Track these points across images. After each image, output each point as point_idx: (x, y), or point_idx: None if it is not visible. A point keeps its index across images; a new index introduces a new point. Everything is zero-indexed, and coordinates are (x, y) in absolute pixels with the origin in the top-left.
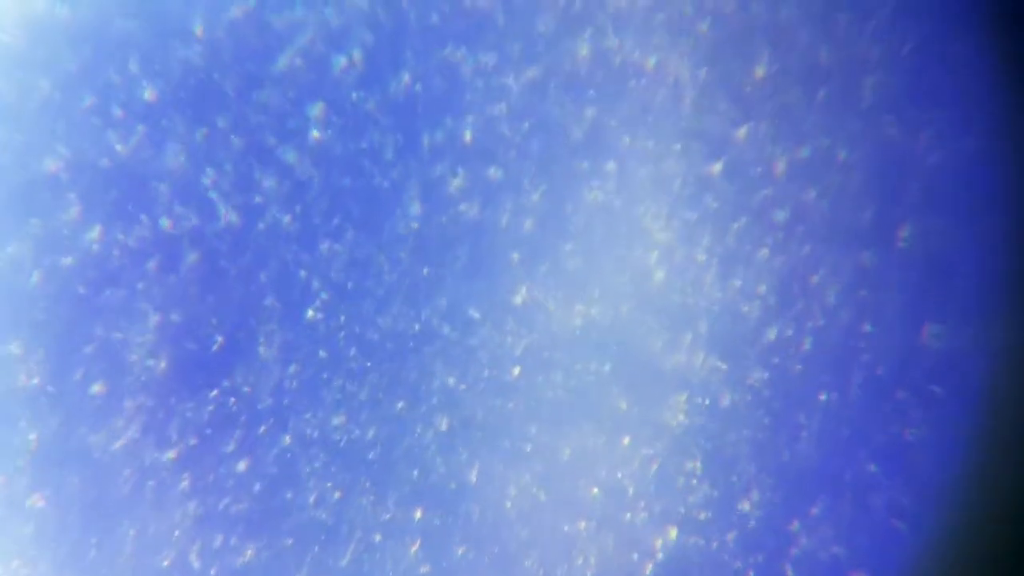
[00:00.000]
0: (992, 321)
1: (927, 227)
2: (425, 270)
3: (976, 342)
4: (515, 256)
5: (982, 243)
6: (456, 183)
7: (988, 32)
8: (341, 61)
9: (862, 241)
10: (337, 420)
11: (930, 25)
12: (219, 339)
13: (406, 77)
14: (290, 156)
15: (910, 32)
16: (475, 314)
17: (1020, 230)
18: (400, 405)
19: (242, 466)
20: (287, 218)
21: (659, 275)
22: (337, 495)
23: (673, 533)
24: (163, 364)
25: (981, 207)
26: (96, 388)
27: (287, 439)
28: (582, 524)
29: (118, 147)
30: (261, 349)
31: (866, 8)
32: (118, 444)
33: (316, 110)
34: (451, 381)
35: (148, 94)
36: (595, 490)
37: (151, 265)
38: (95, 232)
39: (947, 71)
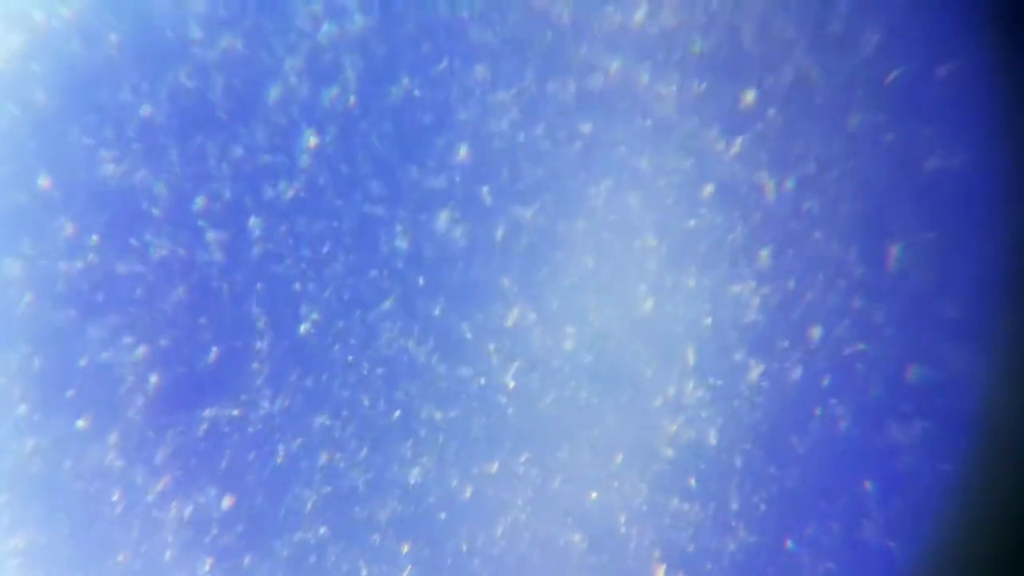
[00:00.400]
0: (992, 328)
1: (926, 234)
2: (415, 295)
3: (976, 351)
4: (507, 279)
5: (982, 249)
6: (448, 204)
7: (988, 32)
8: (334, 88)
9: (861, 250)
10: (326, 446)
11: (929, 26)
12: (208, 363)
13: (399, 94)
14: (282, 182)
15: (908, 34)
16: (467, 335)
17: (1020, 234)
18: (391, 431)
19: (231, 490)
20: (280, 235)
21: (653, 297)
22: (324, 528)
23: (665, 566)
24: (151, 388)
25: (981, 212)
26: (85, 410)
27: (277, 462)
28: (574, 552)
29: (109, 169)
30: (250, 373)
31: (863, 11)
32: (105, 469)
33: (309, 134)
34: (441, 409)
35: (141, 116)
36: (588, 509)
37: (140, 289)
38: (83, 255)
39: (946, 73)
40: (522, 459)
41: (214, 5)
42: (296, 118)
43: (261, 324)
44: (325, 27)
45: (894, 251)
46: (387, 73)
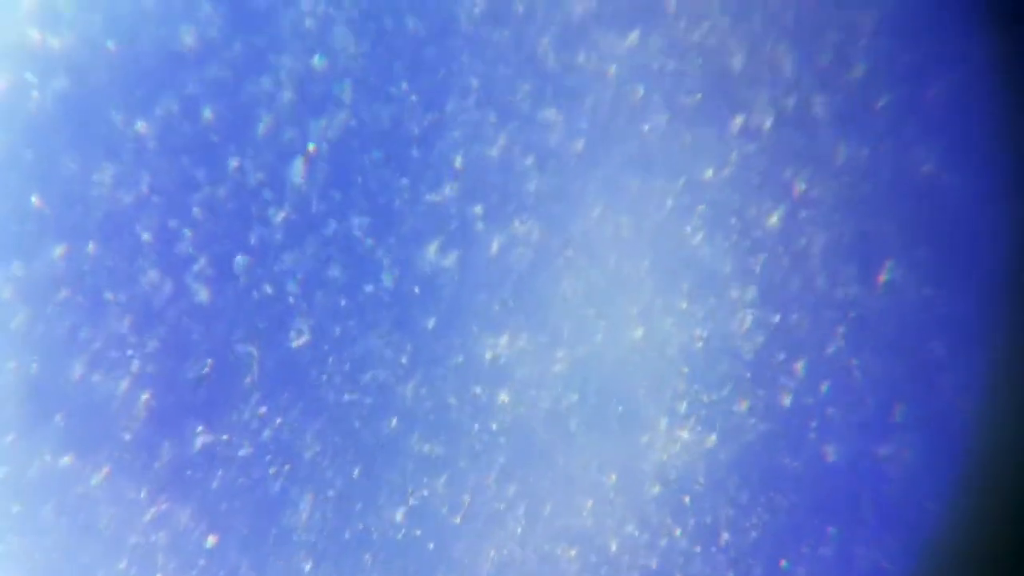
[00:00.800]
0: (992, 333)
1: (925, 242)
2: (405, 321)
3: (977, 353)
4: (498, 304)
5: (983, 249)
6: (438, 230)
7: (988, 32)
8: (324, 118)
9: (862, 255)
10: (317, 472)
11: (929, 27)
12: (200, 384)
13: (389, 121)
14: (274, 208)
15: (909, 35)
16: (459, 359)
17: (1020, 234)
18: (381, 457)
19: (220, 517)
20: (270, 260)
21: (645, 319)
22: (314, 552)
23: None
24: (142, 408)
25: (982, 211)
26: (72, 435)
27: (266, 489)
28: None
29: (101, 188)
30: (240, 395)
31: (862, 13)
32: (95, 491)
33: (299, 162)
34: (432, 442)
35: (136, 134)
36: (580, 533)
37: (129, 315)
38: (75, 275)
39: (946, 73)
40: (511, 488)
41: (206, 30)
42: (288, 144)
43: (252, 349)
44: (316, 59)
45: (891, 262)
46: (378, 100)
